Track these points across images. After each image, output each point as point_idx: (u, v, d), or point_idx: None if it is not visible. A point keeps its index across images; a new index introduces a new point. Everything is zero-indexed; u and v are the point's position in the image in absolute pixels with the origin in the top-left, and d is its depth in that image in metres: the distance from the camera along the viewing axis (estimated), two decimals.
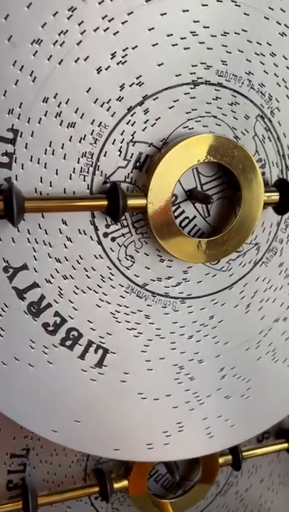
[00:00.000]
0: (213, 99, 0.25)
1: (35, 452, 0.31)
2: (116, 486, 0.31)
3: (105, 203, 0.23)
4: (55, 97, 0.22)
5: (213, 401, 0.28)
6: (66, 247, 0.24)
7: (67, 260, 0.24)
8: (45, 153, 0.23)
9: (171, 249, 0.26)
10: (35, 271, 0.24)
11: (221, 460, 0.34)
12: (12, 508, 0.29)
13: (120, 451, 0.27)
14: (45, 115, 0.22)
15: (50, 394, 0.25)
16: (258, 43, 0.25)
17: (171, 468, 0.34)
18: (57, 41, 0.22)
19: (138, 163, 0.24)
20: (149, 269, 0.26)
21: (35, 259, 0.24)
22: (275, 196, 0.26)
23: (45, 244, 0.24)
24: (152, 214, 0.24)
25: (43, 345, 0.25)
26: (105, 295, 0.26)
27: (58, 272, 0.24)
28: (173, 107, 0.24)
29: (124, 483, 0.32)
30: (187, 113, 0.25)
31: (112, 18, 0.22)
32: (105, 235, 0.25)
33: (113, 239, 0.25)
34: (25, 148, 0.22)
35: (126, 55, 0.23)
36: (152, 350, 0.27)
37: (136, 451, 0.27)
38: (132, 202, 0.24)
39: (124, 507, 0.34)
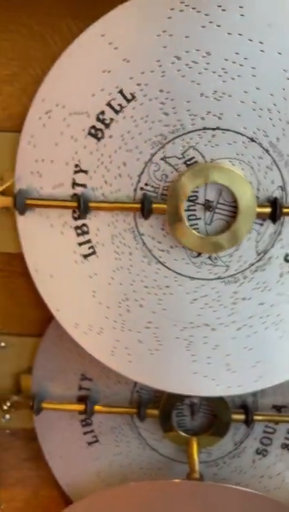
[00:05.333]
0: (259, 157, 0.35)
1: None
2: (148, 411, 0.43)
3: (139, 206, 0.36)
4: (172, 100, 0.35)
5: (130, 335, 0.39)
6: None
7: None
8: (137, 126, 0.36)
9: (171, 230, 0.37)
10: None
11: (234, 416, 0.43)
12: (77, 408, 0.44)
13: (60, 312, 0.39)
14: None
15: None
16: None
17: (193, 410, 0.43)
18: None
19: (188, 162, 0.36)
20: (152, 227, 0.38)
21: None
22: (267, 210, 0.36)
23: None
24: (169, 211, 0.36)
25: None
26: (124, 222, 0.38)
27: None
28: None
29: (155, 411, 0.43)
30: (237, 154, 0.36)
31: None
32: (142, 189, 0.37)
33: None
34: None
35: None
36: (120, 273, 0.38)
37: (67, 323, 0.39)
38: (154, 206, 0.36)
39: None
